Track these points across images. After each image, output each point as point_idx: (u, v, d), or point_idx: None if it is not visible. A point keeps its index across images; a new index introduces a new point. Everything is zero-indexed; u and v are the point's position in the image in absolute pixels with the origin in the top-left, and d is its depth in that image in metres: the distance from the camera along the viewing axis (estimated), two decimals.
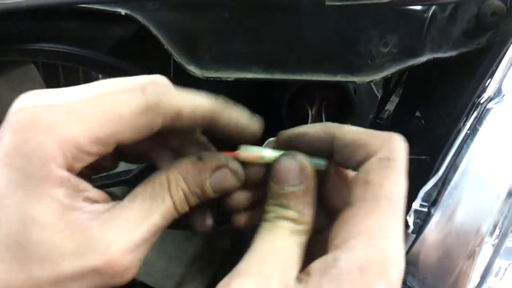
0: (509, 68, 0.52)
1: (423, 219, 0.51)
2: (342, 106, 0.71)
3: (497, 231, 0.48)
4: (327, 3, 0.47)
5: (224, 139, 0.38)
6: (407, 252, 0.52)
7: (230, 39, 0.54)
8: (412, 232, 0.51)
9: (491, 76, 0.52)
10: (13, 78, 0.45)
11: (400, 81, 0.82)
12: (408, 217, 0.51)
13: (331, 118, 0.71)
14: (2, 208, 0.29)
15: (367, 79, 0.56)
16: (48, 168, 0.29)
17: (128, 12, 0.52)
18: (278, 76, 0.56)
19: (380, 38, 0.54)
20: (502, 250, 0.50)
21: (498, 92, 0.51)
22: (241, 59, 0.55)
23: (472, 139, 0.50)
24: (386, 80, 0.85)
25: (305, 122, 0.67)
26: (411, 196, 0.53)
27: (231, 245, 0.97)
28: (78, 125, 0.30)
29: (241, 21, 0.54)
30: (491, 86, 0.51)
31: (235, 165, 0.37)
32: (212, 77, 0.54)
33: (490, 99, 0.51)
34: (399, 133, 0.76)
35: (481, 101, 0.51)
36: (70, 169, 0.31)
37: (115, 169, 0.43)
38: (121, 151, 0.38)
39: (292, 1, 0.51)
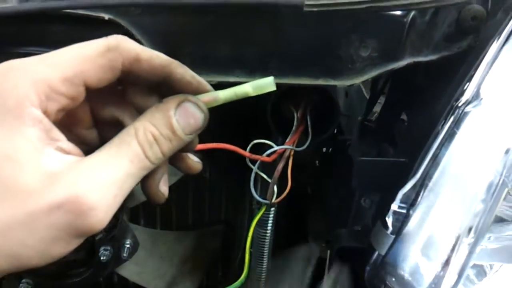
0: (487, 72, 0.53)
1: (401, 221, 0.52)
2: (327, 109, 0.71)
3: (473, 232, 0.49)
4: (305, 9, 0.48)
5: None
6: (386, 253, 0.53)
7: (212, 43, 0.55)
8: (391, 233, 0.52)
9: (470, 79, 0.53)
10: None
11: (388, 83, 0.83)
12: (387, 218, 0.52)
13: (317, 121, 0.72)
14: None
15: (347, 83, 0.56)
16: (22, 105, 0.32)
17: (111, 17, 0.53)
18: None
19: (360, 42, 0.55)
20: (481, 251, 0.51)
21: (476, 96, 0.52)
22: (224, 63, 0.56)
23: (450, 142, 0.51)
24: (374, 82, 0.86)
25: (291, 125, 0.68)
26: (390, 197, 0.54)
27: (222, 246, 0.98)
28: (49, 67, 0.34)
29: (223, 26, 0.54)
30: (469, 90, 0.52)
31: (195, 98, 0.39)
32: None
33: (468, 103, 0.52)
34: (384, 135, 0.77)
35: (459, 105, 0.52)
36: (45, 112, 0.33)
37: None
38: (96, 116, 0.41)
39: (272, 6, 0.52)
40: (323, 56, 0.55)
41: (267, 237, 0.74)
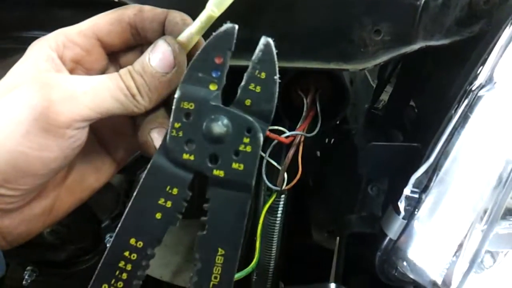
0: (501, 56, 0.52)
1: (414, 205, 0.51)
2: (337, 94, 0.71)
3: (486, 218, 0.48)
4: None
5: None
6: (398, 238, 0.52)
7: (221, 26, 0.54)
8: (403, 218, 0.52)
9: (483, 63, 0.52)
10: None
11: (395, 71, 0.82)
12: (399, 203, 0.51)
13: (326, 106, 0.71)
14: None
15: (360, 67, 0.56)
16: (43, 46, 0.41)
17: None
18: None
19: (373, 26, 0.54)
20: (492, 237, 0.51)
21: (490, 80, 0.51)
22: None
23: (463, 127, 0.51)
24: (381, 70, 0.86)
25: (300, 110, 0.67)
26: (402, 182, 0.53)
27: None
28: (72, 26, 0.43)
29: (233, 9, 0.54)
30: (483, 74, 0.52)
31: (166, 36, 0.42)
32: None
33: (481, 87, 0.51)
34: (393, 122, 0.76)
35: (473, 89, 0.51)
36: (61, 58, 0.42)
37: None
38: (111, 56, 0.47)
39: None
40: (335, 40, 0.55)
41: (276, 224, 0.73)
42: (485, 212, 0.49)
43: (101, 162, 0.48)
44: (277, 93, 0.38)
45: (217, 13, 0.41)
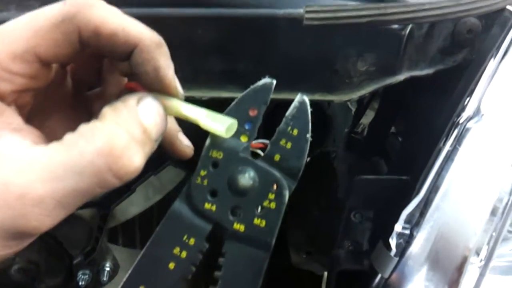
0: (487, 87, 0.51)
1: (406, 241, 0.50)
2: (318, 122, 0.69)
3: (483, 252, 0.47)
4: (305, 22, 0.45)
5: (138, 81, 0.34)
6: (390, 276, 0.50)
7: (203, 57, 0.52)
8: (395, 255, 0.50)
9: (470, 95, 0.52)
10: None
11: (375, 95, 0.82)
12: (390, 240, 0.50)
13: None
14: None
15: (345, 98, 0.54)
16: None
17: None
18: None
19: (358, 57, 0.53)
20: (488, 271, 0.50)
21: (477, 111, 0.51)
22: (216, 78, 0.53)
23: (452, 159, 0.50)
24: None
25: None
26: (391, 216, 0.51)
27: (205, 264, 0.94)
28: None
29: (215, 39, 0.51)
30: (470, 105, 0.51)
31: (153, 95, 0.33)
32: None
33: (469, 119, 0.50)
34: (375, 149, 0.75)
35: (461, 121, 0.51)
36: None
37: None
38: (77, 80, 0.37)
39: (269, 20, 0.49)
40: (320, 71, 0.53)
41: None
42: (480, 246, 0.48)
43: None
44: (307, 151, 0.37)
45: (202, 127, 0.35)
